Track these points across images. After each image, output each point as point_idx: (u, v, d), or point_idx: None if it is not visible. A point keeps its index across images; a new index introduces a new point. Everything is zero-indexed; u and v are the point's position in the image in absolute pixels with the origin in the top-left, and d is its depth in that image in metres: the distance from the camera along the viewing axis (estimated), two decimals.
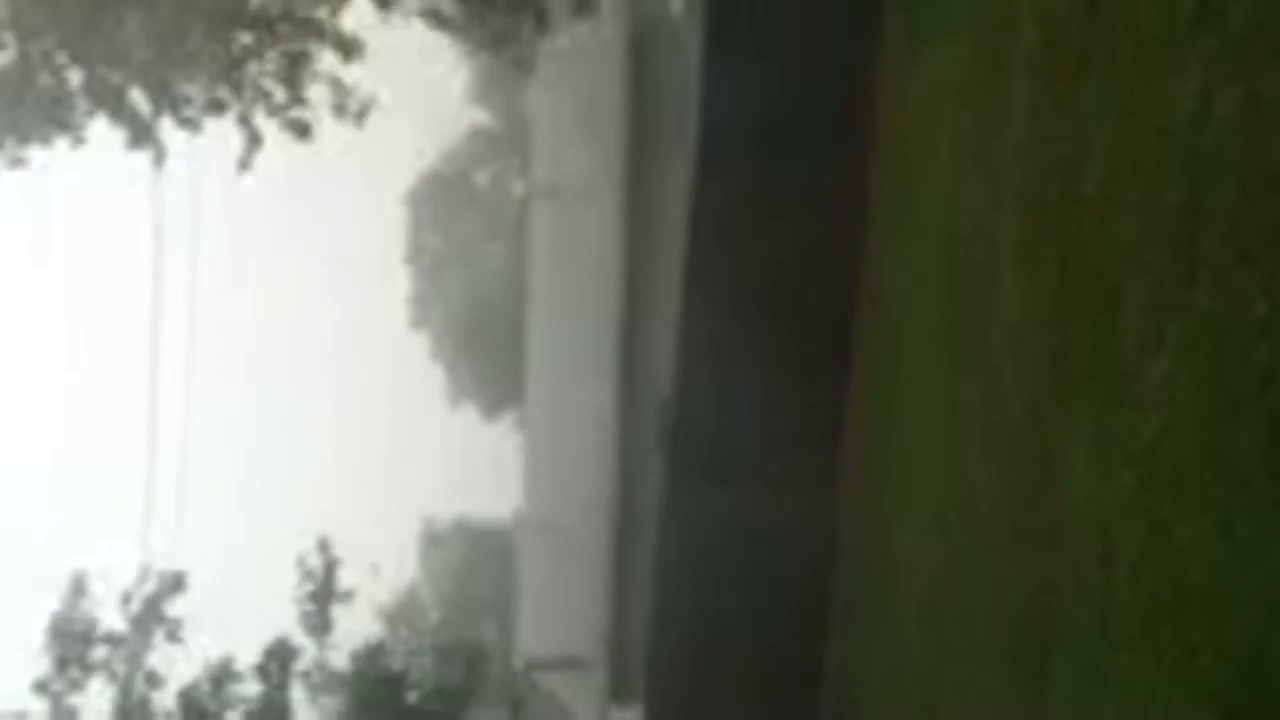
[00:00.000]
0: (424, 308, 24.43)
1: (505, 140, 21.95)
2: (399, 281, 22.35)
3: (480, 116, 22.97)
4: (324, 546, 9.52)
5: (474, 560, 20.86)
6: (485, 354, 21.32)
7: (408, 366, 20.16)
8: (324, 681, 8.78)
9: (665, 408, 7.91)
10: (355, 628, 9.59)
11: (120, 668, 8.61)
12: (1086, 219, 4.29)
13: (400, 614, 19.62)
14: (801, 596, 7.07)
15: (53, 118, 9.37)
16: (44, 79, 9.36)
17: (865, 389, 6.91)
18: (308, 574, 9.33)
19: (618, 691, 11.43)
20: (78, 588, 8.63)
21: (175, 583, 8.81)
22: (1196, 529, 3.50)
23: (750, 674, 7.20)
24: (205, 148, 10.02)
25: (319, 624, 8.96)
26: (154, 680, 8.64)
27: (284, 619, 9.27)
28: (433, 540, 22.85)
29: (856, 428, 6.97)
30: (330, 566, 9.48)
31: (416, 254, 24.66)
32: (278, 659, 8.71)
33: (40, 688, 8.36)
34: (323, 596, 9.24)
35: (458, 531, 22.24)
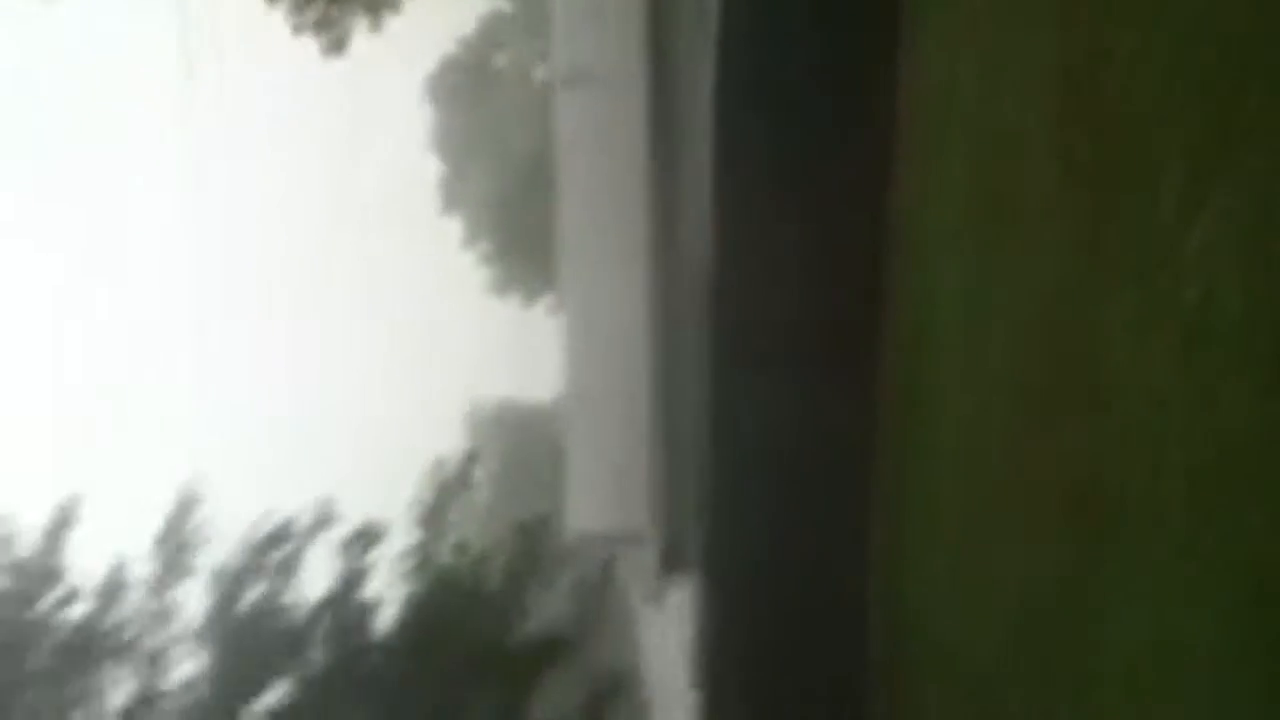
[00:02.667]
0: (453, 192, 24.44)
1: (523, 23, 21.77)
2: (428, 168, 22.35)
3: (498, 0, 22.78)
4: (471, 457, 10.10)
5: (520, 442, 21.10)
6: (519, 238, 21.35)
7: (443, 253, 20.23)
8: (415, 568, 9.06)
9: (701, 285, 7.97)
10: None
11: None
12: (1121, 80, 4.29)
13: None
14: (847, 472, 7.18)
15: None
16: None
17: (905, 263, 6.94)
18: (438, 467, 9.74)
19: (669, 563, 11.64)
20: (187, 503, 8.81)
21: (326, 516, 9.03)
22: (1241, 388, 3.56)
23: (803, 547, 7.34)
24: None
25: (436, 515, 9.33)
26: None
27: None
28: (478, 424, 23.11)
29: (896, 305, 7.02)
30: (470, 459, 10.03)
31: (442, 139, 24.61)
32: (363, 542, 8.97)
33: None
34: (454, 489, 9.63)
35: (503, 415, 22.47)
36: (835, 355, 7.22)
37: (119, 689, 8.14)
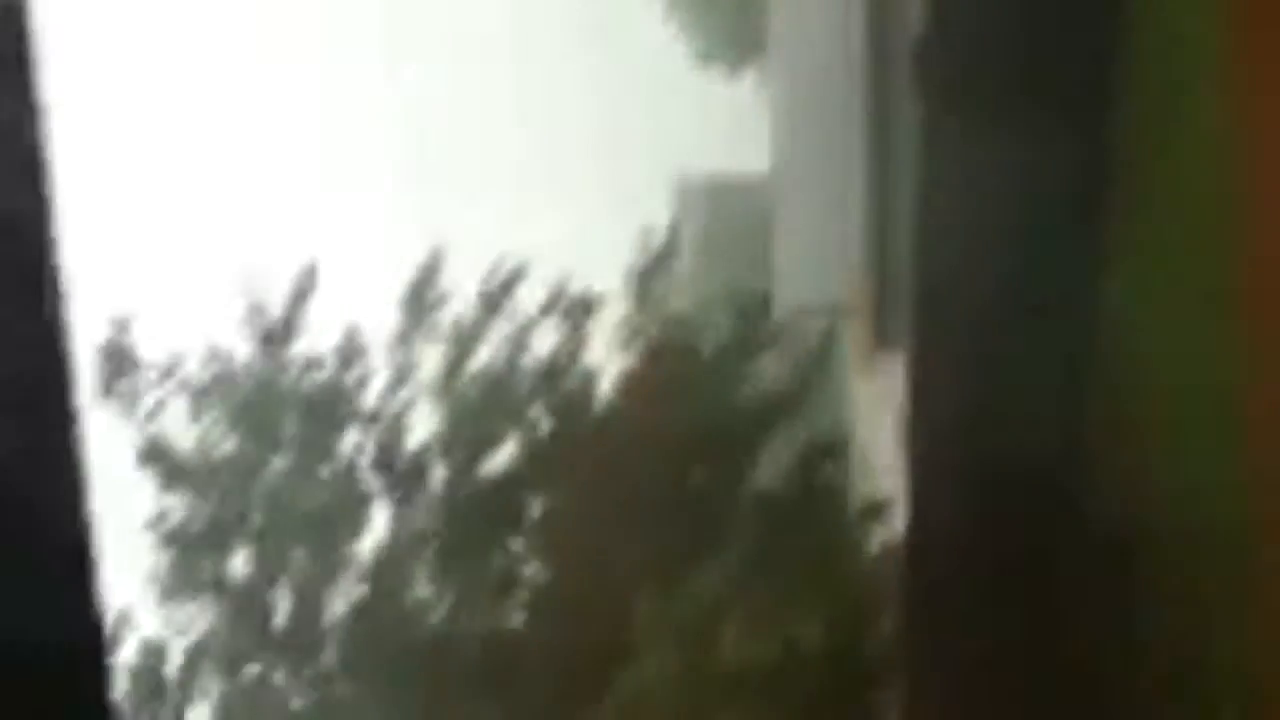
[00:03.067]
0: None
1: None
2: None
3: None
4: (675, 226, 10.16)
5: (729, 215, 21.09)
6: (719, 6, 21.00)
7: (647, 26, 20.06)
8: (628, 338, 9.25)
9: (919, 46, 7.79)
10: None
11: None
12: None
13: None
14: (1072, 238, 7.04)
15: None
16: None
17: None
18: (644, 235, 9.86)
19: (882, 336, 11.66)
20: (433, 264, 9.05)
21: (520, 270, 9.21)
22: None
23: (1020, 318, 7.27)
24: None
25: (644, 283, 9.47)
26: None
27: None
28: (686, 196, 23.12)
29: (1132, 50, 6.75)
30: (674, 228, 10.15)
31: None
32: (580, 310, 9.16)
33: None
34: (661, 258, 9.77)
35: (711, 187, 22.43)
36: (1059, 109, 7.02)
37: (361, 452, 8.58)
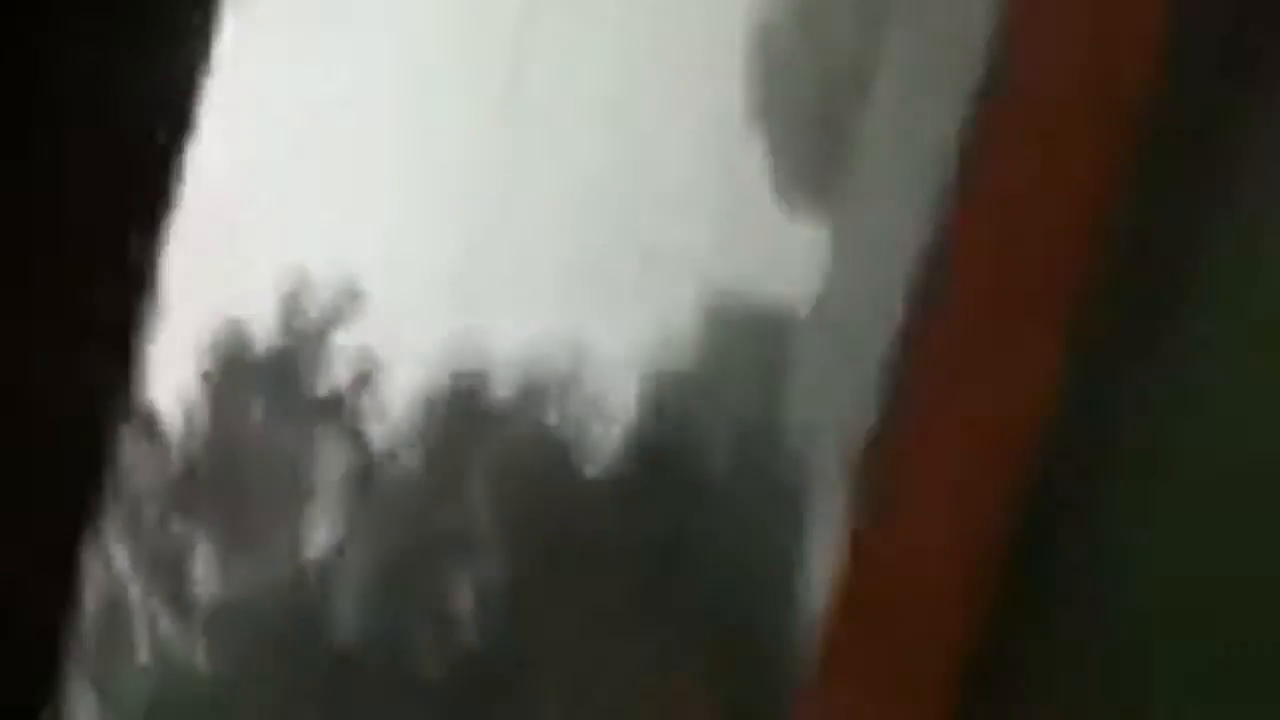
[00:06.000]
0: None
1: None
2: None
3: None
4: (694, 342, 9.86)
5: (753, 342, 20.99)
6: (811, 139, 21.02)
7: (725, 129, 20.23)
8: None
9: None
10: None
11: None
12: None
13: None
14: None
15: None
16: None
17: None
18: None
19: None
20: None
21: None
22: None
23: None
24: None
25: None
26: None
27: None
28: (713, 313, 23.03)
29: None
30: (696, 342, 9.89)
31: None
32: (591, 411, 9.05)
33: None
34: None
35: (742, 309, 22.35)
36: None
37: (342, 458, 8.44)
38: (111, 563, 3.38)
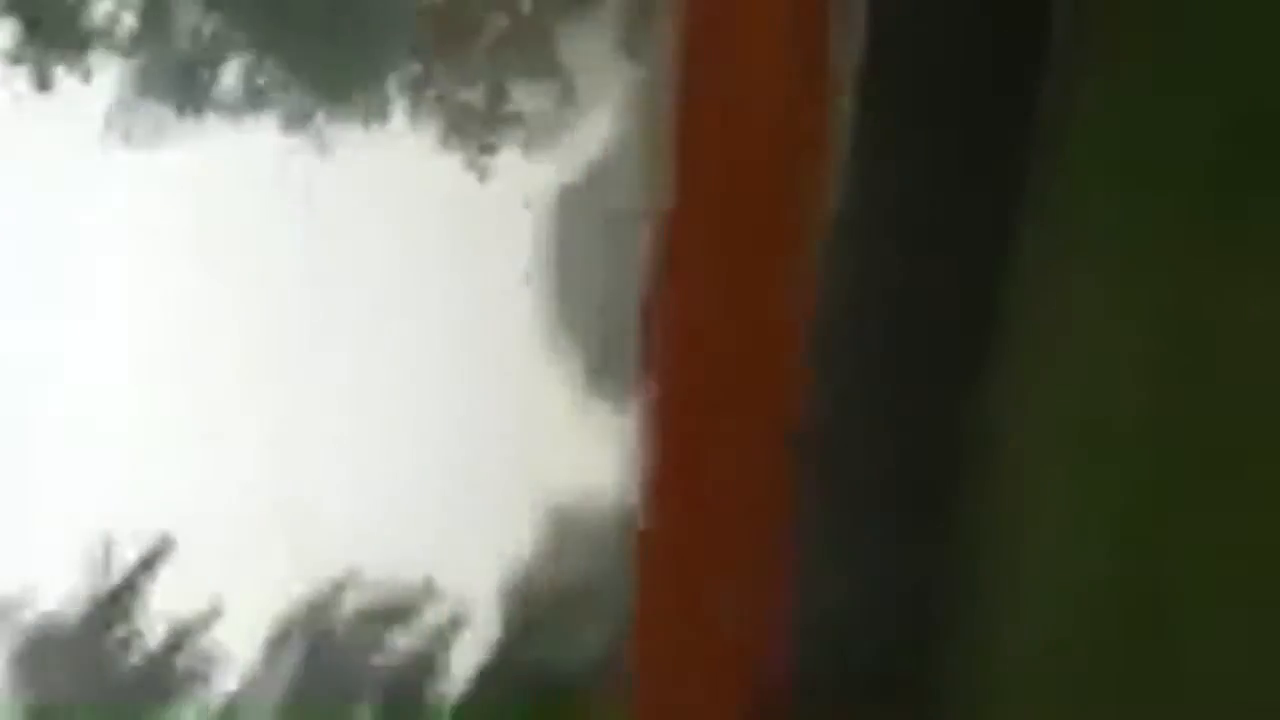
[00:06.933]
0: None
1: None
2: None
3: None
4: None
5: (592, 547, 21.02)
6: (614, 345, 21.38)
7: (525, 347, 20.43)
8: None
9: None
10: None
11: None
12: None
13: None
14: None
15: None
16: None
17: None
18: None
19: None
20: None
21: None
22: None
23: None
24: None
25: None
26: None
27: None
28: (552, 520, 23.04)
29: None
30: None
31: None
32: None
33: None
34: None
35: (578, 512, 22.40)
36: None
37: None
38: None
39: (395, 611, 9.22)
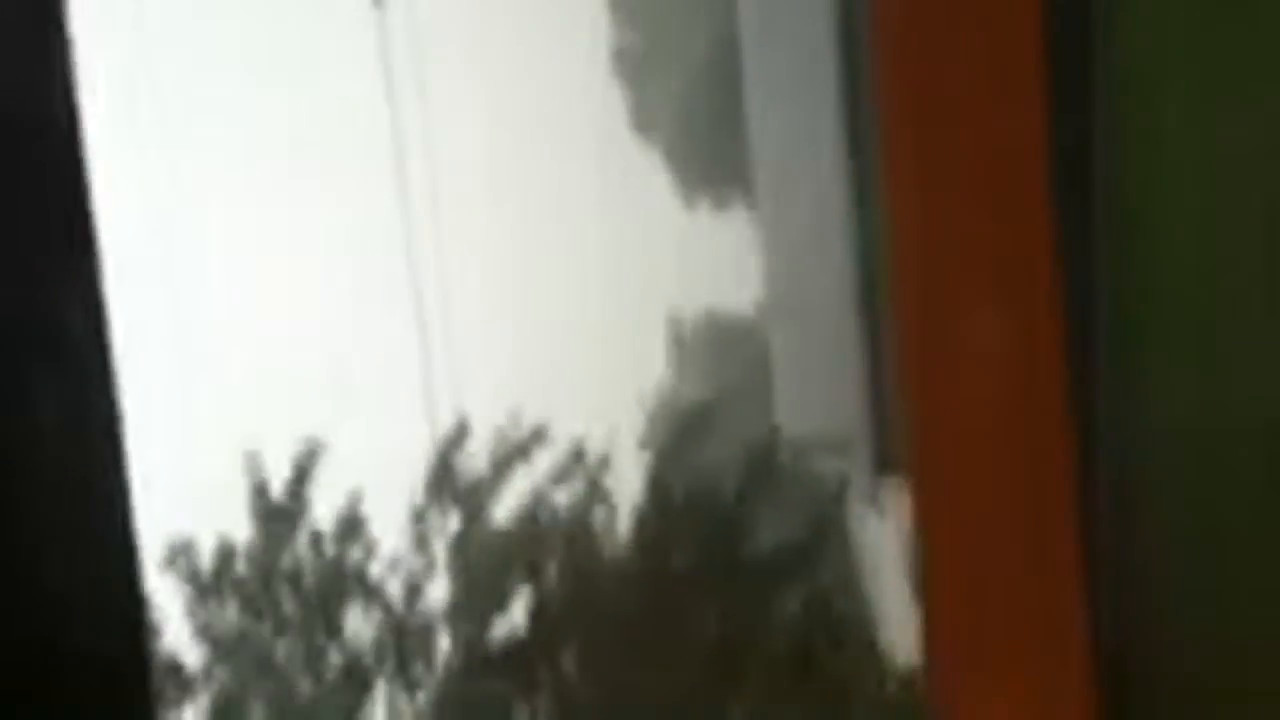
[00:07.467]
0: (641, 110, 24.33)
1: None
2: (614, 91, 22.28)
3: None
4: (709, 408, 10.08)
5: (725, 354, 21.11)
6: (709, 145, 21.25)
7: (634, 172, 20.40)
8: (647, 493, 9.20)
9: None
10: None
11: None
12: None
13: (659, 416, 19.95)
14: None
15: None
16: None
17: None
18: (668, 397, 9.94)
19: (881, 464, 11.64)
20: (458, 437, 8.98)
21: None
22: None
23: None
24: None
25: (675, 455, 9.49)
26: None
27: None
28: (681, 339, 23.13)
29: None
30: (709, 408, 10.18)
31: (620, 59, 24.50)
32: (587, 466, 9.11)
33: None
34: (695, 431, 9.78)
35: (706, 328, 22.43)
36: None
37: (370, 624, 8.48)
38: None
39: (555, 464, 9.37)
